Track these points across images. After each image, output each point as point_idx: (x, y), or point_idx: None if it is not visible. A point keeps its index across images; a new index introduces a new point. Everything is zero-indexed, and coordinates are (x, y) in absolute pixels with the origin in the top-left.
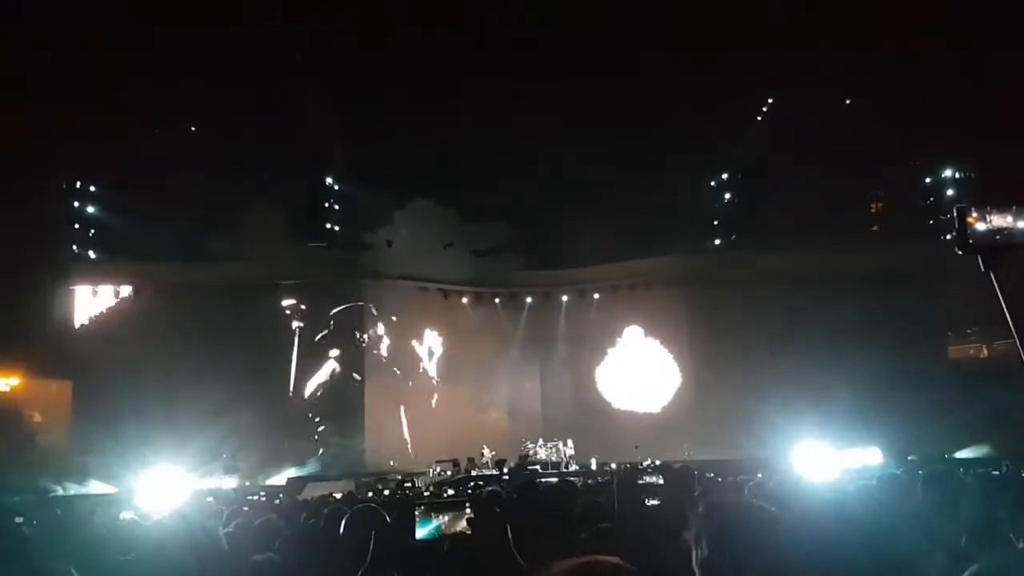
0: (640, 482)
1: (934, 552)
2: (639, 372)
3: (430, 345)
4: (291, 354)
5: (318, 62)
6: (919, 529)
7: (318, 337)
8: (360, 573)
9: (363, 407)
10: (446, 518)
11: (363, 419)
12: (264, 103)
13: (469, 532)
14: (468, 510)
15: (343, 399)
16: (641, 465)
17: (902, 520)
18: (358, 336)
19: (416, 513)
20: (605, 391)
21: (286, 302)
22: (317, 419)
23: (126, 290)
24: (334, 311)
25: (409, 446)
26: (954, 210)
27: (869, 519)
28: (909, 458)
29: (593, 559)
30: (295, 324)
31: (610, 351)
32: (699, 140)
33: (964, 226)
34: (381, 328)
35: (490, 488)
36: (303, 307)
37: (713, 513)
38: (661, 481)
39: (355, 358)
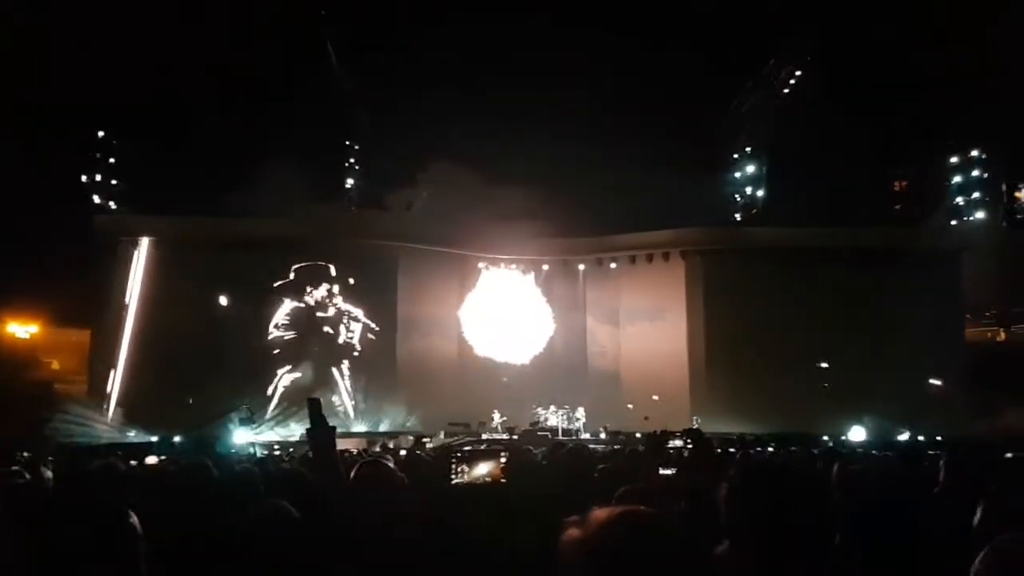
0: (668, 446)
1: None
2: (649, 344)
3: (447, 309)
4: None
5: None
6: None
7: (334, 297)
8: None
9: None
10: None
11: (376, 379)
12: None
13: (503, 480)
14: (503, 457)
15: (359, 360)
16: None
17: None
18: (373, 298)
19: (452, 460)
20: (616, 361)
21: (303, 261)
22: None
23: (145, 242)
24: (352, 272)
25: (421, 407)
26: (1003, 186)
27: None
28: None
29: (633, 508)
30: (311, 282)
31: (625, 322)
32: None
33: (1013, 202)
34: (398, 290)
35: (525, 445)
36: (320, 266)
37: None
38: (691, 445)
39: (372, 319)
